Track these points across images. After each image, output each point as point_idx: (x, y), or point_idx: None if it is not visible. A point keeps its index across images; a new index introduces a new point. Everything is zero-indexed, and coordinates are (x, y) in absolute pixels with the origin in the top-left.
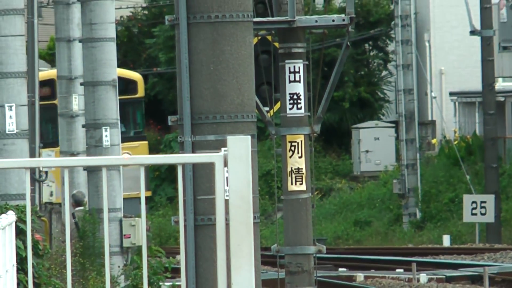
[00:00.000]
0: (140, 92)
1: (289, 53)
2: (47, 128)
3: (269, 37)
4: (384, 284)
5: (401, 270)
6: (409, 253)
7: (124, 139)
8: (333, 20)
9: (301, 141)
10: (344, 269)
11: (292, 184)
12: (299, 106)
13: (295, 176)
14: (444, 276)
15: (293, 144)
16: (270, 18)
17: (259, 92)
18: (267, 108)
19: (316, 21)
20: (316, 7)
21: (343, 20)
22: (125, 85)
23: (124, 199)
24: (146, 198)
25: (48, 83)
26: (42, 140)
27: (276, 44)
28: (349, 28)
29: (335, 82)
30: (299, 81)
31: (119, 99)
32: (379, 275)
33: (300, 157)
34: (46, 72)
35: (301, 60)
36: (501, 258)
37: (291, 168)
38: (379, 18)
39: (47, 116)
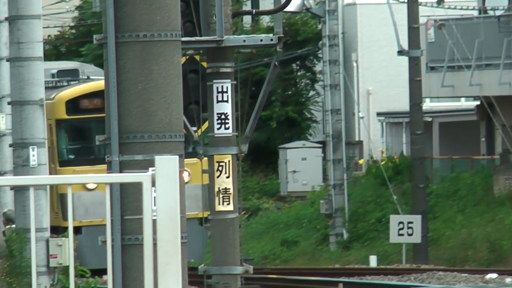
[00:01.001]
0: None
1: (217, 73)
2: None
3: (197, 57)
4: None
5: None
6: (336, 273)
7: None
8: (261, 40)
9: (229, 161)
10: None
11: (219, 204)
12: (227, 126)
13: (223, 196)
14: None
15: (220, 164)
16: (198, 38)
17: (187, 112)
18: (195, 128)
19: (244, 40)
20: (244, 27)
21: (271, 39)
22: None
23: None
24: (205, 218)
25: (100, 94)
26: None
27: (204, 64)
28: (277, 47)
29: (263, 101)
30: (227, 101)
31: None
32: None
33: (227, 177)
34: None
35: (229, 80)
36: (428, 278)
37: (219, 188)
38: (307, 38)
39: (101, 129)
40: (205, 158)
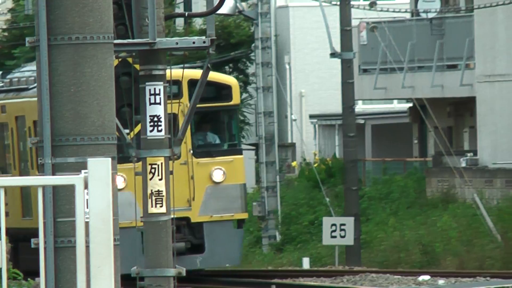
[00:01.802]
0: (235, 99)
1: (150, 75)
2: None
3: (130, 59)
4: None
5: None
6: (268, 276)
7: (217, 153)
8: (194, 42)
9: (161, 163)
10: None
11: (152, 206)
12: (159, 128)
13: (155, 199)
14: None
15: (153, 166)
16: (130, 40)
17: (120, 114)
18: (127, 130)
19: (177, 43)
20: (177, 29)
21: (204, 42)
22: (218, 91)
23: (217, 221)
24: (242, 220)
25: None
26: None
27: (137, 66)
28: (210, 50)
29: (196, 104)
30: (160, 103)
31: (210, 107)
32: None
33: (160, 180)
34: None
35: (161, 82)
36: (361, 280)
37: (151, 190)
38: (239, 40)
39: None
40: (238, 157)
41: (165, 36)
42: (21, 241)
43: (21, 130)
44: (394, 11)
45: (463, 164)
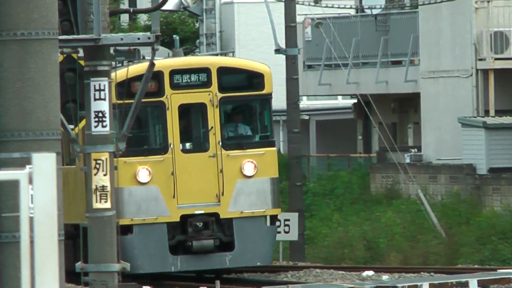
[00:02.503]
0: (268, 88)
1: (95, 71)
2: (158, 130)
3: (75, 55)
4: None
5: (205, 287)
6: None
7: (248, 145)
8: (139, 38)
9: (106, 158)
10: (148, 287)
11: (96, 202)
12: (104, 124)
13: (100, 194)
14: None
15: (98, 162)
16: (75, 36)
17: (65, 110)
18: (72, 126)
19: (122, 39)
20: (121, 25)
21: (149, 38)
22: (249, 79)
23: (248, 217)
24: (274, 216)
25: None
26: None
27: (82, 62)
28: (154, 46)
29: (140, 99)
30: (104, 99)
31: (241, 96)
32: None
33: (104, 175)
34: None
35: (106, 78)
36: (305, 276)
37: (96, 185)
38: (184, 36)
39: (156, 116)
40: (271, 149)
41: (110, 32)
42: None
43: None
44: (339, 7)
45: (407, 160)
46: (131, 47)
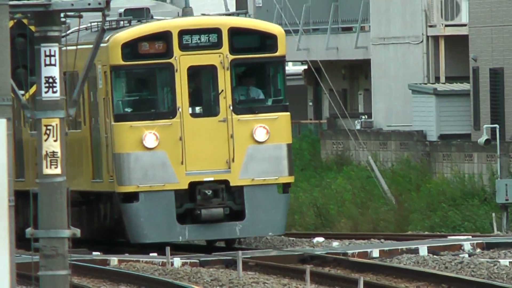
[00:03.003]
0: (281, 50)
1: (45, 37)
2: (166, 94)
3: (25, 20)
4: (138, 268)
5: (155, 254)
6: None
7: (260, 109)
8: (89, 4)
9: (56, 124)
10: (98, 253)
11: (47, 167)
12: (54, 89)
13: (50, 160)
14: (198, 261)
15: (48, 127)
16: (26, 1)
17: (15, 76)
18: (22, 92)
19: (72, 4)
20: None
21: (99, 3)
22: (262, 41)
23: (260, 185)
24: (288, 184)
25: (164, 37)
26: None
27: (32, 28)
28: (105, 11)
29: (91, 64)
30: (55, 65)
31: (253, 58)
32: (133, 259)
33: (55, 141)
34: (159, 23)
35: (56, 44)
36: (255, 243)
37: (46, 151)
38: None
39: (164, 78)
40: (284, 114)
41: None
42: None
43: None
44: None
45: (358, 127)
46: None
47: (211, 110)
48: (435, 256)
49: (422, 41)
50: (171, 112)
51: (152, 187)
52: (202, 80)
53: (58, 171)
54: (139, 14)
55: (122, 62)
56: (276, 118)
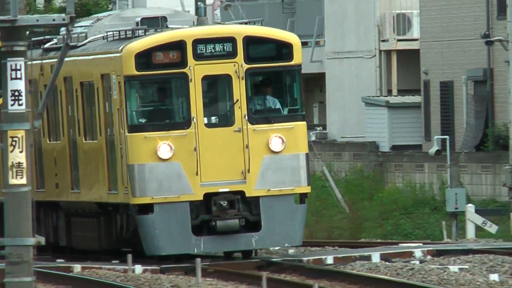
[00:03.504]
0: (297, 59)
1: (11, 51)
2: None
3: None
4: (101, 275)
5: (117, 261)
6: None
7: (276, 119)
8: (54, 20)
9: (22, 136)
10: (62, 260)
11: (13, 177)
12: (20, 102)
13: (16, 170)
14: (158, 268)
15: (14, 139)
16: None
17: None
18: None
19: (38, 20)
20: (37, 7)
21: (63, 19)
22: (277, 49)
23: (276, 196)
24: (305, 194)
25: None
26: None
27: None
28: (69, 27)
29: (55, 79)
30: (20, 78)
31: (269, 67)
32: (96, 266)
33: (20, 152)
34: (173, 32)
35: (22, 58)
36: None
37: (12, 162)
38: None
39: (178, 88)
40: (300, 123)
41: (26, 13)
42: None
43: (69, 93)
44: None
45: (313, 138)
46: (46, 28)
47: (226, 120)
48: (387, 262)
49: (375, 55)
50: (185, 123)
51: (167, 199)
52: (217, 90)
53: (23, 181)
54: (155, 23)
55: (136, 72)
56: (292, 128)
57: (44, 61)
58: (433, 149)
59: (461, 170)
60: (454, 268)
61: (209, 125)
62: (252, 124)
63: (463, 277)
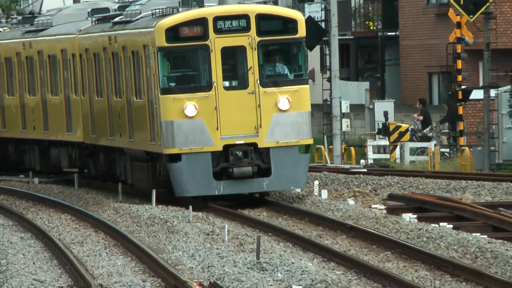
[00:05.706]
0: (301, 32)
1: None
2: (203, 70)
3: None
4: (12, 185)
5: (22, 176)
6: None
7: (283, 82)
8: None
9: None
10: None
11: None
12: None
13: None
14: (51, 179)
15: None
16: None
17: None
18: None
19: None
20: None
21: None
22: (284, 24)
23: (283, 147)
24: (308, 145)
25: (201, 22)
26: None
27: None
28: None
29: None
30: None
31: (277, 40)
32: (8, 178)
33: None
34: (197, 11)
35: None
36: None
37: None
38: None
39: (201, 57)
40: (304, 86)
41: None
42: None
43: (126, 59)
44: None
45: None
46: None
47: (241, 84)
48: None
49: None
50: (207, 86)
51: (192, 150)
52: (233, 59)
53: None
54: (191, 2)
55: (166, 44)
56: (297, 90)
57: (110, 32)
58: None
59: None
60: None
61: (227, 88)
62: (263, 87)
63: None
